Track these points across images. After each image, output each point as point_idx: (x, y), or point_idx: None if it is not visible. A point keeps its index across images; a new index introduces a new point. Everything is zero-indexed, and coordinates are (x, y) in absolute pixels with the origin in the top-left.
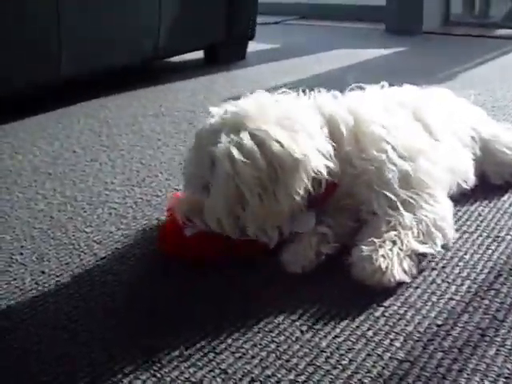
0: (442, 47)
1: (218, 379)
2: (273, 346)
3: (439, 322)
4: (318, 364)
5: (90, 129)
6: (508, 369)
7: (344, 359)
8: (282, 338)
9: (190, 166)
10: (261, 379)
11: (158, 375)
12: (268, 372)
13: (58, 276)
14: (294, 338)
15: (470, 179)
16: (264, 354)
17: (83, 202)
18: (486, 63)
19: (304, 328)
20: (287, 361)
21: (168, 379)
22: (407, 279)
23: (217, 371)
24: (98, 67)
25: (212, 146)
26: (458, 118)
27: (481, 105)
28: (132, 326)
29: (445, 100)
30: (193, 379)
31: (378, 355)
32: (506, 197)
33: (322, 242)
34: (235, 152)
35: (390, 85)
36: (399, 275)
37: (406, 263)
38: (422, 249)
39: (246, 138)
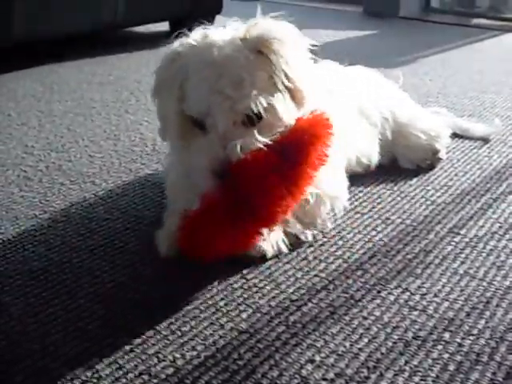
0: (414, 33)
1: None
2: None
3: (294, 298)
4: (157, 329)
5: (33, 94)
6: (344, 346)
7: (185, 326)
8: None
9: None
10: None
11: None
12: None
13: None
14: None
15: (372, 156)
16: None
17: None
18: (451, 51)
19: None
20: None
21: None
22: (270, 253)
23: None
24: (50, 32)
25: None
26: (371, 97)
27: (426, 91)
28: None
29: (363, 80)
30: None
31: (221, 325)
32: (413, 181)
33: None
34: None
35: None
36: (263, 248)
37: (275, 238)
38: (297, 232)
39: None
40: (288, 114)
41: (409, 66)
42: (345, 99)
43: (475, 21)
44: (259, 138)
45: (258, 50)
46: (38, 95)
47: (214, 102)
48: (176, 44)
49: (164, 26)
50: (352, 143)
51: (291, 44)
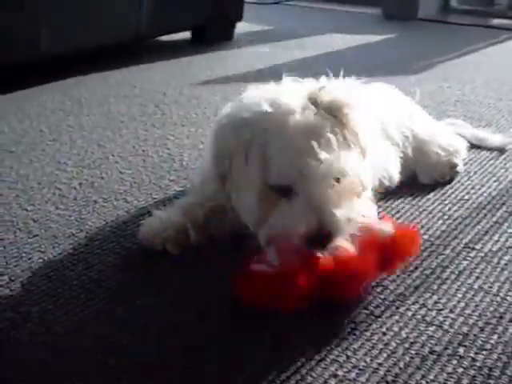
0: (432, 36)
1: None
2: None
3: (317, 314)
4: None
5: (62, 108)
6: (365, 361)
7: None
8: None
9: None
10: None
11: None
12: None
13: None
14: None
15: (393, 177)
16: None
17: (33, 181)
18: (469, 54)
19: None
20: None
21: None
22: None
23: None
24: (77, 45)
25: None
26: (392, 117)
27: (444, 100)
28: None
29: (383, 99)
30: None
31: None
32: (430, 195)
33: (192, 222)
34: None
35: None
36: None
37: None
38: None
39: None
40: (364, 174)
41: (427, 72)
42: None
43: (495, 21)
44: (358, 208)
45: (333, 115)
46: (67, 109)
47: (308, 167)
48: (233, 108)
49: (185, 35)
50: (376, 167)
51: (358, 107)
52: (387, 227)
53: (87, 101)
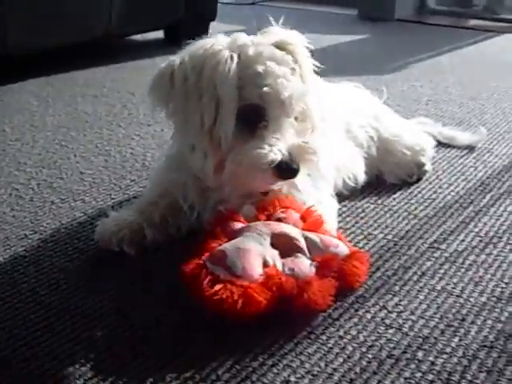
0: (408, 36)
1: None
2: None
3: (273, 317)
4: (138, 350)
5: (27, 107)
6: (320, 366)
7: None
8: None
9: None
10: None
11: None
12: None
13: None
14: None
15: (358, 177)
16: None
17: None
18: (443, 55)
19: None
20: None
21: None
22: None
23: None
24: (46, 44)
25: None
26: (357, 117)
27: (417, 98)
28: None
29: (349, 99)
30: None
31: (198, 346)
32: (397, 194)
33: (148, 221)
34: None
35: None
36: None
37: None
38: None
39: None
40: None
41: (401, 72)
42: (334, 124)
43: (472, 22)
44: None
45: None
46: (33, 109)
47: (284, 88)
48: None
49: (159, 34)
50: (339, 168)
51: (304, 47)
52: (345, 249)
53: (54, 100)
